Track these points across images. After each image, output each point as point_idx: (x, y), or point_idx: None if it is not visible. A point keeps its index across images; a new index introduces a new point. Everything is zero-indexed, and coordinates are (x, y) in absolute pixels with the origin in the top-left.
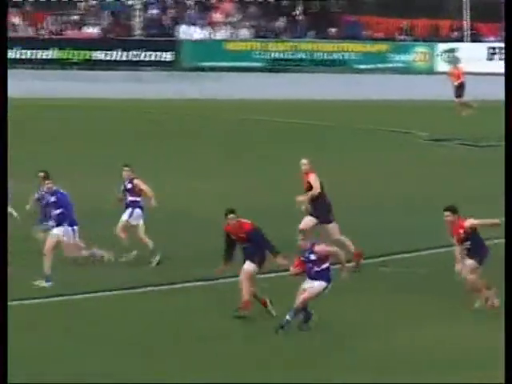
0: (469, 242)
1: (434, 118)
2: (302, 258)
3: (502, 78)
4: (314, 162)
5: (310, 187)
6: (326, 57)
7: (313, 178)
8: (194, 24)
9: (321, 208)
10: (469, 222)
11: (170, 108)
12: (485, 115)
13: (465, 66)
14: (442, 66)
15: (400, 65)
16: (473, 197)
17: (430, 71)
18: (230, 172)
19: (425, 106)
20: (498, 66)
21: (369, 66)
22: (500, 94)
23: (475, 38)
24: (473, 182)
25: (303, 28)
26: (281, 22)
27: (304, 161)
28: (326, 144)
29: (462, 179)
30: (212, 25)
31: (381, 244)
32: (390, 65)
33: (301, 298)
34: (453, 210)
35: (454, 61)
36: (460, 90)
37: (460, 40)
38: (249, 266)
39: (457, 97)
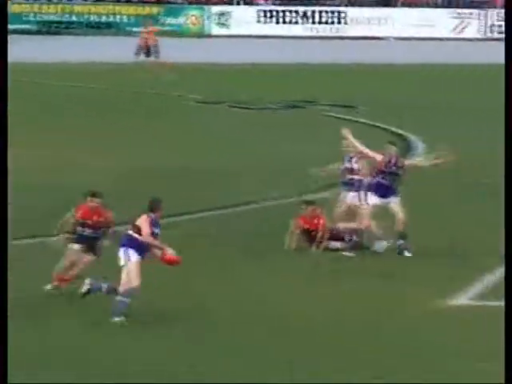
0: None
1: (205, 80)
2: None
3: (271, 41)
4: (87, 126)
5: None
6: (98, 19)
7: None
8: None
9: None
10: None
11: None
12: (257, 78)
13: (236, 29)
14: (214, 29)
15: (172, 28)
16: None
17: (202, 34)
18: None
19: (196, 68)
20: (268, 28)
21: (140, 29)
22: (269, 56)
23: (246, 1)
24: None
25: None
26: None
27: None
28: (99, 107)
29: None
30: None
31: None
32: (162, 28)
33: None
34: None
35: (146, 22)
36: (155, 49)
37: (231, 3)
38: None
39: (155, 57)
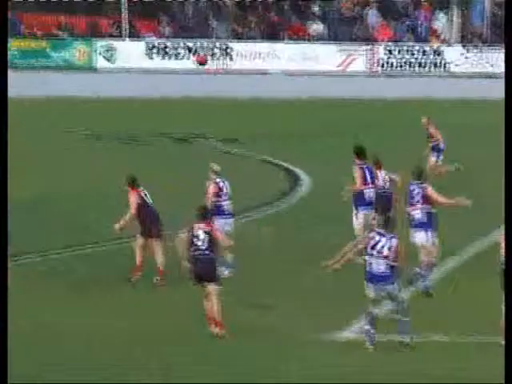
0: None
1: (96, 114)
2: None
3: (160, 76)
4: None
5: None
6: None
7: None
8: None
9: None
10: None
11: None
12: (146, 112)
13: (124, 63)
14: (101, 62)
15: (60, 62)
16: None
17: (90, 68)
18: None
19: (84, 102)
20: (157, 62)
21: (28, 63)
22: (157, 90)
23: (133, 35)
24: None
25: None
26: None
27: None
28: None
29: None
30: None
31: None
32: (50, 62)
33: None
34: None
35: None
36: None
37: (119, 37)
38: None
39: None
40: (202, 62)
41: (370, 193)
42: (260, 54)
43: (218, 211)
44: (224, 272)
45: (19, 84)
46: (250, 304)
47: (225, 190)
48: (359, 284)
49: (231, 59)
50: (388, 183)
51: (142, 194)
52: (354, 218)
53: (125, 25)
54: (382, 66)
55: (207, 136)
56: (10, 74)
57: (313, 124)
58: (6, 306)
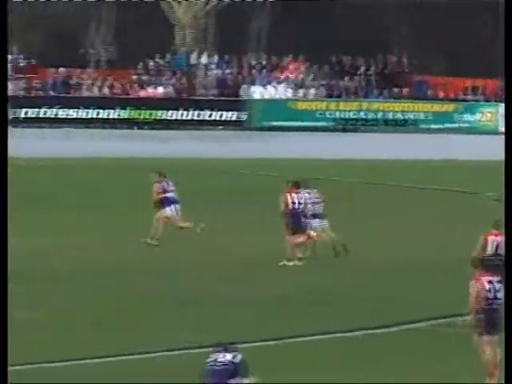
0: None
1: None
2: None
3: None
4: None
5: None
6: (394, 116)
7: None
8: (263, 84)
9: None
10: None
11: (233, 167)
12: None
13: None
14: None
15: (466, 125)
16: None
17: (495, 131)
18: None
19: (491, 165)
20: None
21: (436, 126)
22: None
23: None
24: None
25: (371, 87)
26: (349, 82)
27: None
28: (393, 204)
29: None
30: (281, 84)
31: None
32: (457, 125)
33: None
34: None
35: None
36: None
37: None
38: None
39: None
40: None
41: None
42: None
43: None
44: None
45: (427, 147)
46: None
47: None
48: None
49: None
50: None
51: None
52: None
53: None
54: None
55: None
56: (420, 137)
57: None
58: (6, 306)
